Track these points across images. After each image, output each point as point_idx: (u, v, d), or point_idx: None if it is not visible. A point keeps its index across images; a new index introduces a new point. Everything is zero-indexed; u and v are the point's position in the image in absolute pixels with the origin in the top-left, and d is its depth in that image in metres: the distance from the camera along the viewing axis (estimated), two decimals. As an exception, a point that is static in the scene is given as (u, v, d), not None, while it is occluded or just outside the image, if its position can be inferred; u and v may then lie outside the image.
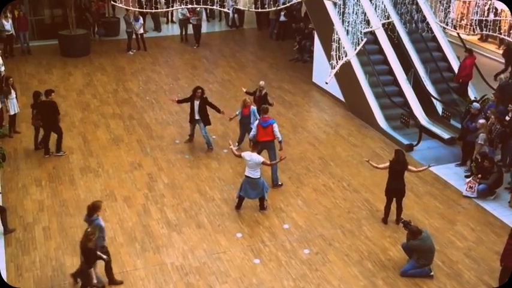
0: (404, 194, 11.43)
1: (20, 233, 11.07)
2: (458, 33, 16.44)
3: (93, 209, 9.32)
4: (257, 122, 12.82)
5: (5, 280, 9.76)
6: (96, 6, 23.23)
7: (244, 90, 14.98)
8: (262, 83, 14.78)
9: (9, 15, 20.21)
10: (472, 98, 15.38)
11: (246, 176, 11.51)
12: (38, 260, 10.34)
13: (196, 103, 13.91)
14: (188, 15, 22.70)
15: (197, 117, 14.02)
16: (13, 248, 10.65)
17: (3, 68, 16.37)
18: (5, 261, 10.28)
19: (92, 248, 8.85)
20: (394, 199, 11.44)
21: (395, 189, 11.29)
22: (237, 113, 14.07)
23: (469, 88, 16.46)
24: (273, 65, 20.79)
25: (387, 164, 11.35)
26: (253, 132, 12.81)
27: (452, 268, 10.38)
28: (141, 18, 21.75)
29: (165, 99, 17.54)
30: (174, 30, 24.87)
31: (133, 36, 21.59)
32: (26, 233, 11.07)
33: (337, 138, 15.31)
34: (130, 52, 21.51)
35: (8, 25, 20.09)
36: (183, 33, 23.01)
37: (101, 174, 13.21)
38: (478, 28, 14.09)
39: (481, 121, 12.98)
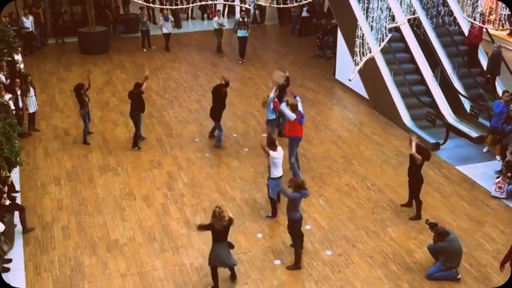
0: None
1: (38, 232, 11.02)
2: (486, 29, 16.00)
3: (301, 185, 9.91)
4: (294, 117, 12.22)
5: (24, 280, 9.72)
6: (116, 3, 23.15)
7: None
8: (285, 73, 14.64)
9: (28, 12, 20.27)
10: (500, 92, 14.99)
11: (277, 178, 11.17)
12: (56, 259, 10.28)
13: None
14: (224, 24, 21.22)
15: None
16: (32, 247, 10.60)
17: (22, 66, 16.34)
18: (24, 260, 10.24)
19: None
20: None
21: (421, 180, 11.47)
22: (271, 110, 13.31)
23: (479, 52, 16.34)
24: (295, 62, 20.49)
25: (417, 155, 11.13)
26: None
27: (480, 271, 10.08)
28: (171, 17, 21.50)
29: (184, 96, 17.38)
30: (194, 27, 24.73)
31: (161, 34, 21.27)
32: (44, 232, 11.01)
33: (360, 137, 14.98)
34: (144, 50, 21.33)
35: (28, 22, 20.13)
36: (220, 44, 21.04)
37: (120, 173, 13.09)
38: (507, 23, 13.68)
39: None
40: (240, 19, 19.90)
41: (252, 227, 11.24)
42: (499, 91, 15.34)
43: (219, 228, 9.15)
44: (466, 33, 16.56)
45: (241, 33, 19.81)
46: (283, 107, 12.50)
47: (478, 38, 16.11)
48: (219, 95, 13.96)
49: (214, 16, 25.48)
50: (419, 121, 15.15)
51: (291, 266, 10.12)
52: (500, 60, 15.46)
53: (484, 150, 13.99)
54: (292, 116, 12.21)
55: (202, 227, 9.37)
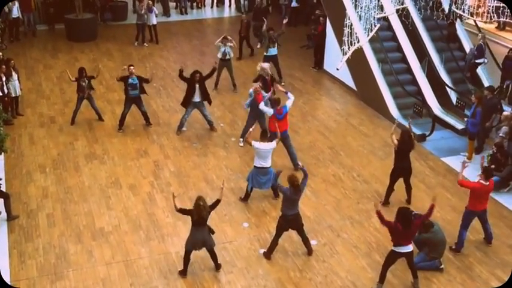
0: (411, 172, 11.56)
1: (23, 219, 10.96)
2: (475, 21, 16.05)
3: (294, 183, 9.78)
4: (271, 114, 12.30)
5: (8, 267, 9.68)
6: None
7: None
8: (263, 65, 14.67)
9: None
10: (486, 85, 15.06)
11: (257, 167, 11.23)
12: (41, 247, 10.24)
13: (197, 86, 13.85)
14: (232, 54, 16.68)
15: (198, 99, 13.98)
16: (16, 234, 10.54)
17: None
18: (8, 248, 10.18)
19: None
20: (402, 179, 11.52)
21: (403, 169, 11.39)
22: (247, 103, 13.49)
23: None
24: (284, 51, 20.35)
25: (396, 142, 11.29)
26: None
27: (463, 261, 10.17)
28: (155, 8, 20.83)
29: (172, 86, 17.30)
30: (183, 15, 24.52)
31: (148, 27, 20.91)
32: (29, 220, 10.96)
33: (347, 128, 15.01)
34: (136, 43, 20.82)
35: (14, 8, 19.89)
36: (219, 78, 16.75)
37: (106, 161, 13.03)
38: (495, 15, 13.68)
39: (506, 113, 12.67)
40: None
41: (238, 216, 11.25)
42: (463, 40, 15.85)
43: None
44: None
45: (272, 51, 17.17)
46: (261, 105, 12.74)
47: None
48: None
49: (203, 6, 25.37)
50: (405, 111, 15.14)
51: (266, 251, 10.21)
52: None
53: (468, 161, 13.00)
54: (269, 111, 12.37)
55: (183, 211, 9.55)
